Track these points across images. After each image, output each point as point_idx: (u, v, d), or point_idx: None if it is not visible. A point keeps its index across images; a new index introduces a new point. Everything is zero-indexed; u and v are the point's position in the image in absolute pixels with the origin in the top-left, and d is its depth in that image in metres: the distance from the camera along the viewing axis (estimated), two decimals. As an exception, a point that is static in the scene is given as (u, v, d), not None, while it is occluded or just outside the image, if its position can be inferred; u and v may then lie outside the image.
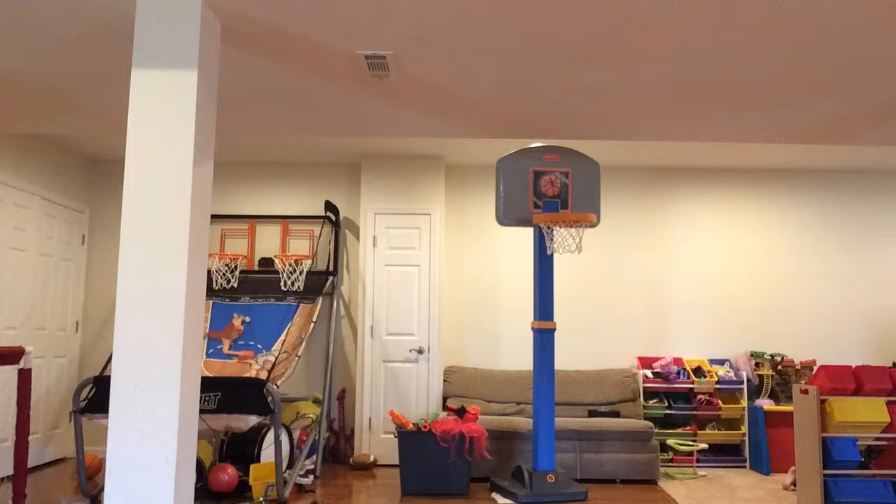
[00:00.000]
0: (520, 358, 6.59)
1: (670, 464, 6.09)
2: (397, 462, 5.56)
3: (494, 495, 5.11)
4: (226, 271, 6.27)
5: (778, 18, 2.84)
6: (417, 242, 6.37)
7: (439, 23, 2.92)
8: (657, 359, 6.46)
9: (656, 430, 6.06)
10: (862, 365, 4.93)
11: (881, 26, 2.90)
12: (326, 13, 2.85)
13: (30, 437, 4.50)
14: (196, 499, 4.69)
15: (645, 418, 6.10)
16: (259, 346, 5.80)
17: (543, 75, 3.50)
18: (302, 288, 6.17)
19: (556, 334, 6.63)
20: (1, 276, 5.40)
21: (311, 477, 5.44)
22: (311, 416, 5.67)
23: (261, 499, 4.71)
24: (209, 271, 6.29)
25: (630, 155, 6.41)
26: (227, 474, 4.77)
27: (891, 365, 6.56)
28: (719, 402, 6.25)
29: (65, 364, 6.34)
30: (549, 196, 5.38)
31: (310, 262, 6.29)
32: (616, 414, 6.04)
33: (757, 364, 6.44)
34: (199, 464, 4.84)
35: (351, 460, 6.08)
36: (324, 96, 3.86)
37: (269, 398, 4.58)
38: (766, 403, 6.23)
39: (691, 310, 6.70)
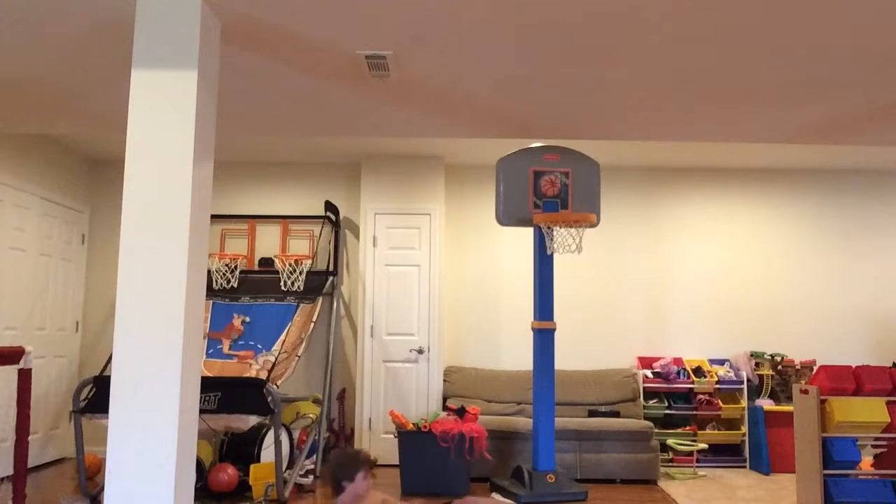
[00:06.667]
0: (520, 358, 6.59)
1: (670, 464, 6.09)
2: (397, 462, 5.56)
3: (494, 495, 5.11)
4: (226, 271, 6.27)
5: (778, 18, 2.84)
6: (417, 242, 6.37)
7: (439, 23, 2.92)
8: (657, 359, 6.46)
9: (656, 430, 6.05)
10: (862, 365, 4.93)
11: (881, 25, 2.90)
12: (326, 13, 2.85)
13: (30, 437, 4.50)
14: (196, 499, 4.69)
15: (645, 418, 6.10)
16: (259, 346, 5.80)
17: (543, 75, 3.50)
18: (302, 288, 6.17)
19: (556, 334, 6.63)
20: (1, 276, 5.40)
21: (311, 477, 5.44)
22: (311, 416, 5.67)
23: (261, 499, 4.71)
24: (209, 271, 6.29)
25: (630, 155, 6.41)
26: (227, 474, 4.77)
27: (891, 365, 6.56)
28: (719, 402, 6.25)
29: (65, 364, 6.34)
30: (549, 196, 5.38)
31: (310, 262, 6.29)
32: (616, 414, 6.03)
33: (757, 364, 6.44)
34: (199, 464, 4.84)
35: (351, 460, 6.07)
36: (324, 96, 3.86)
37: (269, 398, 4.57)
38: (766, 403, 6.23)
39: (691, 310, 6.69)
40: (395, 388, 6.21)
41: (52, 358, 6.13)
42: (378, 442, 6.17)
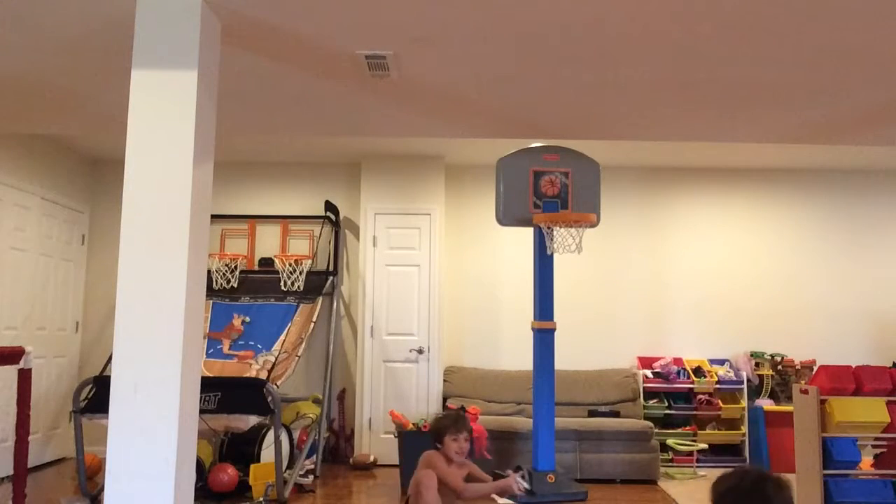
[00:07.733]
0: (520, 358, 6.58)
1: (670, 464, 6.09)
2: (397, 462, 5.56)
3: (494, 495, 5.10)
4: (226, 271, 6.27)
5: (777, 19, 2.84)
6: (417, 242, 6.37)
7: (439, 23, 2.92)
8: (657, 359, 6.46)
9: (656, 430, 6.04)
10: (862, 365, 4.93)
11: (881, 25, 2.90)
12: (326, 13, 2.85)
13: (30, 437, 4.50)
14: (196, 499, 4.68)
15: (645, 418, 6.10)
16: (259, 346, 5.80)
17: (543, 76, 3.50)
18: (302, 288, 6.17)
19: (556, 334, 6.61)
20: (1, 276, 5.40)
21: (311, 477, 5.44)
22: (311, 416, 5.67)
23: (261, 499, 4.71)
24: (209, 271, 6.29)
25: (630, 155, 6.41)
26: (227, 474, 4.77)
27: (891, 365, 6.56)
28: (719, 402, 6.25)
29: (65, 364, 6.34)
30: (549, 196, 5.37)
31: (310, 262, 6.29)
32: (616, 414, 6.03)
33: (757, 364, 6.44)
34: (199, 464, 4.84)
35: (351, 460, 6.08)
36: (324, 96, 3.86)
37: (269, 398, 4.57)
38: (766, 403, 6.23)
39: (691, 310, 6.69)
40: (395, 388, 6.20)
41: (52, 358, 6.13)
42: (378, 442, 6.17)
